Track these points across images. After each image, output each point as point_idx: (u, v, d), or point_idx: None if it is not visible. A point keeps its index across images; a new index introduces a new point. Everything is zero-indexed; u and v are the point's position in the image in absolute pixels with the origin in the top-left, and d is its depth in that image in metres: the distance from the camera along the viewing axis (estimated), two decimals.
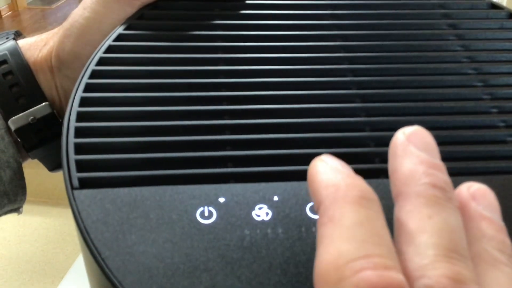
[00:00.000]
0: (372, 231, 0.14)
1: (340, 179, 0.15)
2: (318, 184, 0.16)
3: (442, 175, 0.16)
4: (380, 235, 0.14)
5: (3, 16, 3.46)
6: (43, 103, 0.33)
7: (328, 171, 0.16)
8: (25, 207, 0.35)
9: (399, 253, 0.15)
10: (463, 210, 0.16)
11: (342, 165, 0.16)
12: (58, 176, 0.23)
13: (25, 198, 0.34)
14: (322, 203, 0.15)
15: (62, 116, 0.34)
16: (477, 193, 0.17)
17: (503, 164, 0.23)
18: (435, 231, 0.15)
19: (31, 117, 0.33)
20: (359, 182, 0.15)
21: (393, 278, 0.13)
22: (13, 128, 0.33)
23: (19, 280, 1.57)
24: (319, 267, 0.14)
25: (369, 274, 0.13)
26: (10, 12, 3.55)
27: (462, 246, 0.15)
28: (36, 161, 0.35)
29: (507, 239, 0.16)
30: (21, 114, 0.33)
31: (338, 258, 0.14)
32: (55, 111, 0.34)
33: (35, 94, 0.33)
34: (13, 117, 0.33)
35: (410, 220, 0.15)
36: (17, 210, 0.34)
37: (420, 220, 0.15)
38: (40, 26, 3.31)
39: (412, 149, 0.16)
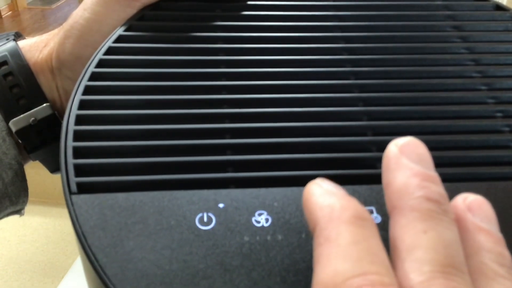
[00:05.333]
0: (367, 250, 0.14)
1: (335, 201, 0.15)
2: (313, 206, 0.16)
3: (436, 187, 0.16)
4: (375, 253, 0.14)
5: (3, 16, 3.46)
6: (44, 104, 0.33)
7: (323, 193, 0.16)
8: (26, 207, 0.34)
9: (395, 269, 0.15)
10: (459, 223, 0.16)
11: (337, 188, 0.16)
12: (58, 176, 0.23)
13: (27, 200, 0.34)
14: (318, 224, 0.15)
15: (63, 117, 0.34)
16: (473, 204, 0.16)
17: (506, 170, 0.22)
18: (430, 246, 0.14)
19: (32, 119, 0.33)
20: (353, 203, 0.15)
21: None
22: (14, 129, 0.33)
23: (19, 280, 1.57)
24: (317, 287, 0.14)
25: None
26: (10, 12, 3.54)
27: (459, 260, 0.14)
28: (36, 161, 0.35)
29: (505, 251, 0.16)
30: (22, 116, 0.33)
31: (335, 277, 0.14)
32: (56, 112, 0.34)
33: (35, 95, 0.33)
34: (14, 119, 0.32)
35: (405, 235, 0.15)
36: (18, 212, 0.34)
37: (415, 235, 0.15)
38: (40, 26, 3.31)
39: (405, 161, 0.16)
